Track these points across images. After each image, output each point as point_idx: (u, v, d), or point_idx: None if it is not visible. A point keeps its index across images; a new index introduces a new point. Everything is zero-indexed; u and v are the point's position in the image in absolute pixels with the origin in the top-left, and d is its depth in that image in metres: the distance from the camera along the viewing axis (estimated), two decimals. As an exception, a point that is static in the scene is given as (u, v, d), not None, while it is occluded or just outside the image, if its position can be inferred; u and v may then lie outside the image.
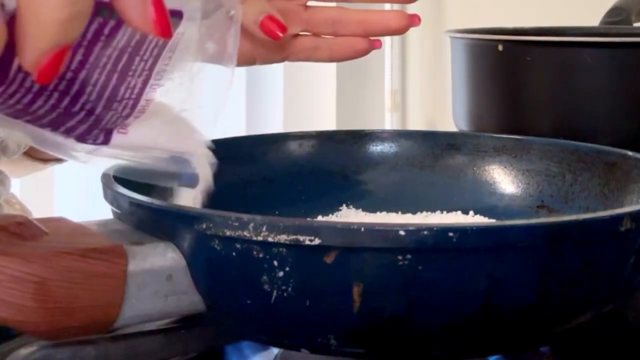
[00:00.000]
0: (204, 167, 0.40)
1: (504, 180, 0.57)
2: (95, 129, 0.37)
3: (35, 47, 0.30)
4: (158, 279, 0.37)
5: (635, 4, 0.88)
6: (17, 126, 0.35)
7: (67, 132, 0.36)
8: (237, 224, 0.35)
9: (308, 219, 0.53)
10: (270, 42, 0.57)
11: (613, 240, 0.38)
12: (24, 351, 0.38)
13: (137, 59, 0.35)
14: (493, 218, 0.55)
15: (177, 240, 0.38)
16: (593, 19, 0.89)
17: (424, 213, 0.56)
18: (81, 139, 0.37)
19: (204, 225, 0.36)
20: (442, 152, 0.59)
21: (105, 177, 0.44)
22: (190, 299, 0.38)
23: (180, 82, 0.38)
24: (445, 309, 0.36)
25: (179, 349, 0.41)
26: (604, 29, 0.86)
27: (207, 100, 0.39)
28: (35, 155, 0.75)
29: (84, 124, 0.36)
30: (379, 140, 0.60)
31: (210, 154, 0.40)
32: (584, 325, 0.40)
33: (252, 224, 0.35)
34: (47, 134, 0.36)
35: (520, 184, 0.56)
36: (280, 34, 0.54)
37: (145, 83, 0.36)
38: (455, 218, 0.55)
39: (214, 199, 0.52)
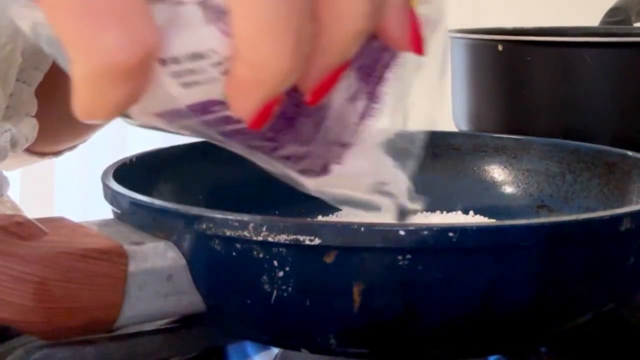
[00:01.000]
0: (406, 200, 0.37)
1: (504, 180, 0.57)
2: (321, 159, 0.34)
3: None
4: (158, 279, 0.37)
5: (635, 4, 0.88)
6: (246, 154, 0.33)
7: (294, 161, 0.34)
8: (237, 224, 0.35)
9: (308, 219, 0.53)
10: None
11: (613, 240, 0.38)
12: (24, 351, 0.38)
13: (371, 81, 0.33)
14: (493, 218, 0.55)
15: (177, 240, 0.38)
16: (593, 19, 0.89)
17: (424, 213, 0.56)
18: (305, 171, 0.35)
19: (204, 225, 0.36)
20: (442, 152, 0.59)
21: (105, 177, 0.44)
22: (190, 299, 0.38)
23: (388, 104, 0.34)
24: (445, 309, 0.36)
25: (179, 349, 0.41)
26: (604, 29, 0.86)
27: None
28: (34, 149, 0.76)
29: (314, 156, 0.34)
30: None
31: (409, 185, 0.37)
32: (583, 325, 0.40)
33: (252, 224, 0.35)
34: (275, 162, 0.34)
35: (520, 184, 0.56)
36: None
37: (368, 108, 0.33)
38: (455, 218, 0.55)
39: (214, 199, 0.52)
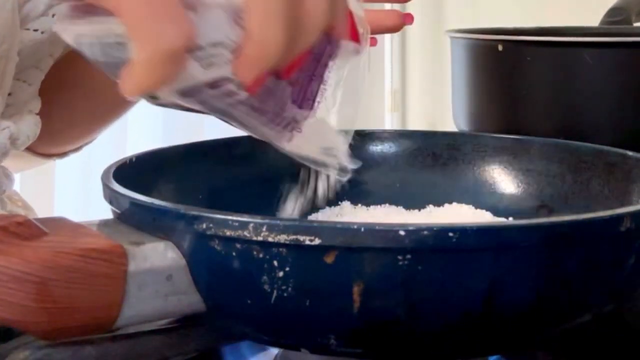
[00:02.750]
0: (346, 161, 0.49)
1: (504, 180, 0.57)
2: (291, 124, 0.45)
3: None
4: (158, 279, 0.37)
5: (635, 4, 0.88)
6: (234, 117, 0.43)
7: (275, 124, 0.44)
8: (237, 224, 0.35)
9: (308, 219, 0.53)
10: None
11: (613, 240, 0.38)
12: (24, 351, 0.38)
13: (320, 66, 0.44)
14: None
15: (177, 240, 0.38)
16: (593, 19, 0.89)
17: (429, 207, 0.56)
18: (279, 135, 0.45)
19: (204, 225, 0.36)
20: (442, 152, 0.59)
21: (105, 177, 0.44)
22: (190, 299, 0.38)
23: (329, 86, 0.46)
24: (445, 309, 0.36)
25: (179, 349, 0.41)
26: (604, 29, 0.86)
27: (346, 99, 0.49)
28: (39, 151, 0.76)
29: (286, 118, 0.44)
30: (379, 140, 0.60)
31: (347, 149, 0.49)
32: (583, 326, 0.40)
33: (252, 224, 0.35)
34: (259, 126, 0.43)
35: (520, 184, 0.56)
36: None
37: (318, 87, 0.45)
38: (459, 209, 0.55)
39: (214, 199, 0.52)
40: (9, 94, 0.62)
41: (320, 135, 0.47)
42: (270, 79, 0.41)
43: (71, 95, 0.72)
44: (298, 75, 0.43)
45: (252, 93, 0.40)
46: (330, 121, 0.48)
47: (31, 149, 0.74)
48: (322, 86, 0.45)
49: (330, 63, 0.45)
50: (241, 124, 0.43)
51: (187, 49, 0.37)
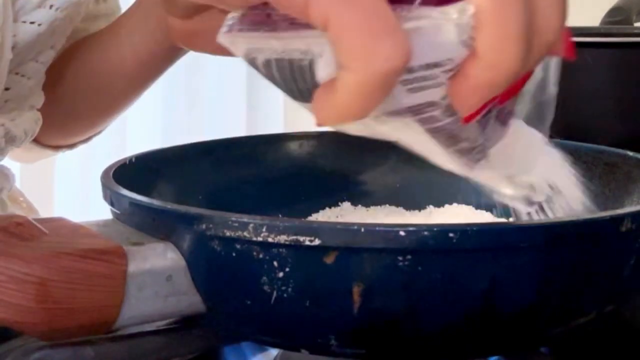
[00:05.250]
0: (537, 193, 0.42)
1: (504, 180, 0.57)
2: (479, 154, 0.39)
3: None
4: (158, 280, 0.37)
5: (635, 4, 0.88)
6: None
7: (466, 152, 0.38)
8: (237, 224, 0.35)
9: (308, 219, 0.53)
10: None
11: (613, 241, 0.38)
12: (23, 351, 0.38)
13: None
14: (493, 218, 0.54)
15: (177, 241, 0.38)
16: (593, 19, 0.89)
17: (429, 207, 0.56)
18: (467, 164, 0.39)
19: (204, 226, 0.36)
20: (442, 152, 0.58)
21: (104, 178, 0.43)
22: (190, 300, 0.38)
23: None
24: (446, 309, 0.36)
25: (178, 349, 0.41)
26: (604, 29, 0.86)
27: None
28: (47, 143, 0.76)
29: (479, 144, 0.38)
30: (379, 140, 0.59)
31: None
32: (583, 325, 0.40)
33: (251, 225, 0.35)
34: (444, 153, 0.38)
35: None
36: None
37: (512, 107, 0.38)
38: (459, 209, 0.55)
39: (214, 199, 0.52)
40: (8, 89, 0.62)
41: (504, 162, 0.40)
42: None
43: (75, 87, 0.72)
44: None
45: (468, 122, 0.34)
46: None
47: (39, 141, 0.74)
48: (514, 107, 0.38)
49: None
50: (417, 148, 0.38)
51: (402, 71, 0.31)
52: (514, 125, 0.39)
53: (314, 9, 0.30)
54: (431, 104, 0.33)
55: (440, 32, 0.32)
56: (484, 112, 0.34)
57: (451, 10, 0.31)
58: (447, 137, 0.36)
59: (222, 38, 0.34)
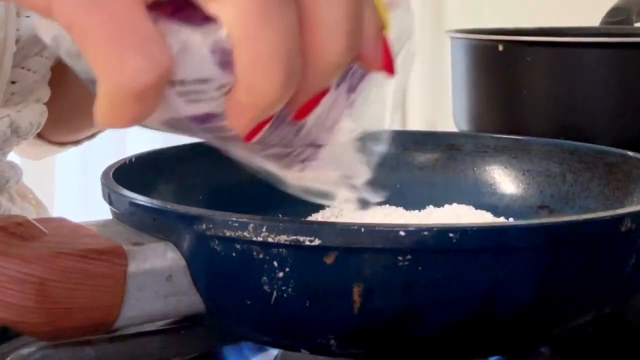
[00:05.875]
0: (368, 193, 0.41)
1: (504, 180, 0.57)
2: (299, 157, 0.38)
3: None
4: (158, 280, 0.37)
5: (635, 4, 0.88)
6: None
7: (281, 156, 0.37)
8: (237, 224, 0.35)
9: (308, 219, 0.53)
10: None
11: (613, 241, 0.38)
12: (24, 351, 0.38)
13: (345, 94, 0.37)
14: (493, 218, 0.54)
15: (177, 241, 0.38)
16: (593, 19, 0.89)
17: (429, 207, 0.56)
18: (288, 166, 0.38)
19: (204, 226, 0.36)
20: (442, 152, 0.58)
21: (104, 177, 0.43)
22: (190, 300, 0.38)
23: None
24: (446, 310, 0.36)
25: (179, 349, 0.41)
26: (604, 29, 0.86)
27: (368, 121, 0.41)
28: (53, 139, 0.76)
29: (297, 149, 0.38)
30: (379, 140, 0.59)
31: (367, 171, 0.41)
32: (584, 325, 0.40)
33: (252, 225, 0.35)
34: (261, 159, 0.38)
35: (520, 184, 0.56)
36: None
37: (341, 114, 0.38)
38: (459, 209, 0.55)
39: (214, 199, 0.52)
40: (14, 82, 0.62)
41: (337, 164, 0.39)
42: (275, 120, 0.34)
43: (80, 83, 0.72)
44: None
45: (249, 140, 0.33)
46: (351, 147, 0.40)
47: (45, 138, 0.74)
48: (346, 111, 0.37)
49: (353, 96, 0.37)
50: (240, 158, 0.38)
51: (161, 85, 0.29)
52: (345, 127, 0.38)
53: (57, 11, 0.29)
54: (212, 115, 0.33)
55: (194, 50, 0.31)
56: (263, 129, 0.33)
57: (205, 29, 0.30)
58: (251, 144, 0.35)
59: (33, 24, 0.33)
